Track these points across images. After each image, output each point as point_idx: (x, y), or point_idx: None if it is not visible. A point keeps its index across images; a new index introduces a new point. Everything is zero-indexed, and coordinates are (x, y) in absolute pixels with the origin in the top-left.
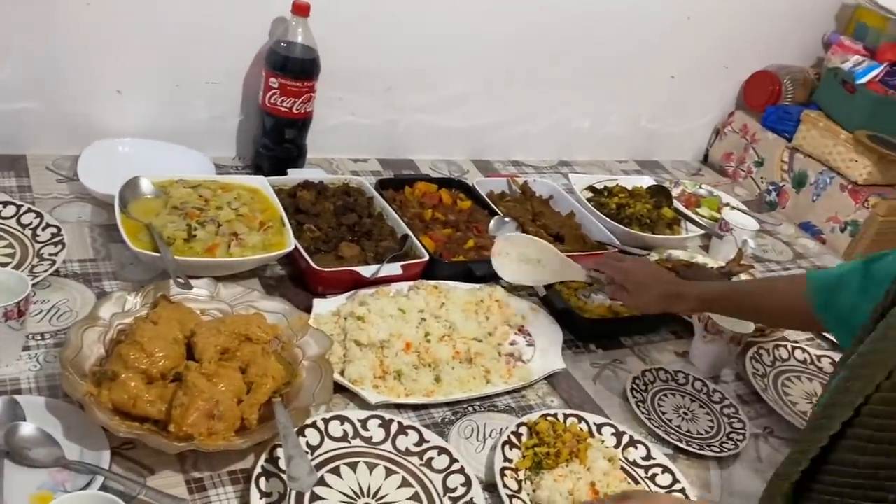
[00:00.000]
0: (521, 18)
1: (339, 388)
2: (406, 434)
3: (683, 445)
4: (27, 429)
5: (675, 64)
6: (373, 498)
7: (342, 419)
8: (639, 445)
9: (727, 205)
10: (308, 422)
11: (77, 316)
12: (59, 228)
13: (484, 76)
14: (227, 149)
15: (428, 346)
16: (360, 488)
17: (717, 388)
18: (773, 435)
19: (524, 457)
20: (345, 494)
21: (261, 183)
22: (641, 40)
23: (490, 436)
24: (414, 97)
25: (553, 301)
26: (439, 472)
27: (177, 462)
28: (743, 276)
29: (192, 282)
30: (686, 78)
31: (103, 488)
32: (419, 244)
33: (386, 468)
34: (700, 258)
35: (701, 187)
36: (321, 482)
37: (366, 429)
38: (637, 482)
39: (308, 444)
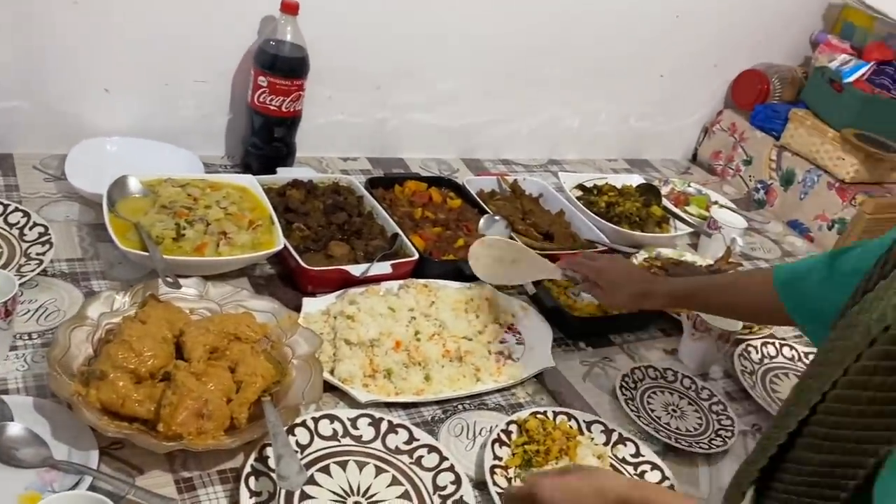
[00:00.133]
0: (511, 17)
1: (329, 387)
2: (396, 432)
3: (672, 442)
4: (14, 429)
5: (664, 63)
6: (363, 496)
7: (332, 418)
8: (628, 443)
9: (716, 203)
10: (298, 421)
11: (65, 315)
12: (46, 228)
13: (474, 75)
14: (215, 147)
15: (418, 344)
16: (350, 487)
17: (706, 386)
18: (762, 432)
19: (514, 455)
20: (334, 493)
21: (250, 182)
22: (631, 39)
23: (480, 434)
24: (404, 96)
25: (543, 299)
26: (429, 470)
27: (166, 462)
28: (741, 271)
29: (181, 281)
30: (675, 77)
31: (92, 488)
32: (409, 243)
33: (376, 467)
34: (689, 256)
35: (690, 186)
36: (311, 481)
37: (355, 427)
38: None
39: (298, 443)
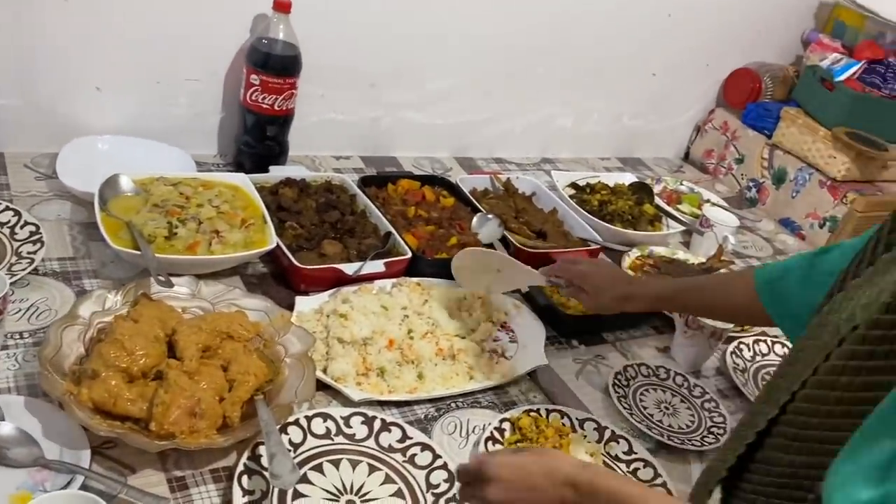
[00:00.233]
0: (505, 17)
1: (322, 386)
2: (389, 431)
3: (665, 440)
4: (6, 428)
5: (656, 62)
6: (356, 495)
7: (325, 416)
8: (620, 440)
9: (708, 201)
10: (291, 419)
11: (56, 314)
12: (37, 226)
13: (467, 74)
14: (208, 146)
15: (411, 343)
16: (343, 485)
17: (698, 383)
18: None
19: None
20: (328, 491)
21: (242, 180)
22: (623, 38)
23: (473, 432)
24: (397, 94)
25: (536, 298)
26: (422, 468)
27: (158, 461)
28: (723, 272)
29: (173, 280)
30: (667, 76)
31: (83, 488)
32: (402, 241)
33: (369, 465)
34: (681, 254)
35: (682, 184)
36: (304, 479)
37: (349, 426)
38: None
39: (291, 442)
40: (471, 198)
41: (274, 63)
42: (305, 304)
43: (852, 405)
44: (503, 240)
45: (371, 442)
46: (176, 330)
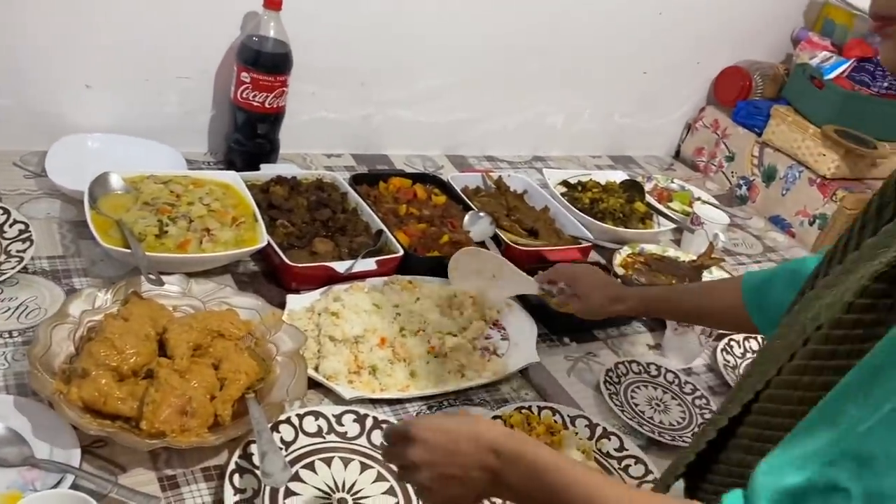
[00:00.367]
0: (496, 15)
1: (314, 384)
2: (381, 429)
3: (656, 436)
4: None
5: (647, 60)
6: (348, 493)
7: (317, 415)
8: (612, 437)
9: (698, 199)
10: (282, 417)
11: (46, 313)
12: (26, 225)
13: (459, 72)
14: (198, 144)
15: (403, 341)
16: (335, 483)
17: (689, 380)
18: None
19: None
20: (319, 490)
21: (233, 178)
22: (614, 36)
23: None
24: (388, 92)
25: (527, 295)
26: None
27: (149, 459)
28: (714, 270)
29: (164, 278)
30: (658, 74)
31: (74, 487)
32: (394, 239)
33: (361, 463)
34: (672, 252)
35: (673, 182)
36: (296, 478)
37: (340, 424)
38: (610, 473)
39: (282, 440)
40: (462, 196)
41: (265, 61)
42: (297, 302)
43: (813, 405)
44: (495, 238)
45: (363, 440)
46: (167, 328)
